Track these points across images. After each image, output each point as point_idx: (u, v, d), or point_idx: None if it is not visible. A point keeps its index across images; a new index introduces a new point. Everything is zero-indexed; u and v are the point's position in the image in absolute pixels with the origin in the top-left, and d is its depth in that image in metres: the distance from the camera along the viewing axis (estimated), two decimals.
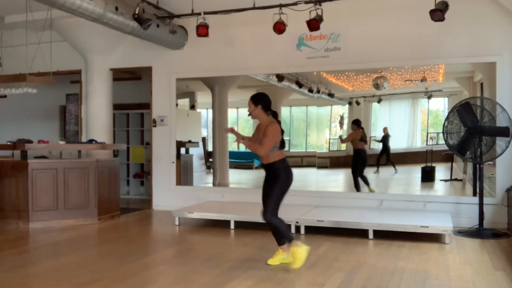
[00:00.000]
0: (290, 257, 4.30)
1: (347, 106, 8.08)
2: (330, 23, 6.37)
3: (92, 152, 7.59)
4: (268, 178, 4.38)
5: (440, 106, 7.84)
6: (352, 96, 7.95)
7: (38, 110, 10.57)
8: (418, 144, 7.89)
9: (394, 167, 7.80)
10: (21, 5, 6.83)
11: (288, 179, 4.34)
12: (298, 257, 4.22)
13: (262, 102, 4.35)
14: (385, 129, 7.86)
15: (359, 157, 7.62)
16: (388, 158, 7.76)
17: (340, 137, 8.02)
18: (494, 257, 4.75)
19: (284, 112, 8.53)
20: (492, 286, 3.87)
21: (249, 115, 4.41)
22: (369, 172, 7.73)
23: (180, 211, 6.69)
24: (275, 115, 4.45)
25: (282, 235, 4.38)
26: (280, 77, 7.76)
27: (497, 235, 5.69)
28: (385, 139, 7.79)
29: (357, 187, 7.43)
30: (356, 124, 7.66)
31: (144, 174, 9.79)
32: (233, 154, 9.45)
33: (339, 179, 8.59)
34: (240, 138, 4.33)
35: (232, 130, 4.45)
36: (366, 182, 7.47)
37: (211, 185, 9.07)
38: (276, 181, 4.28)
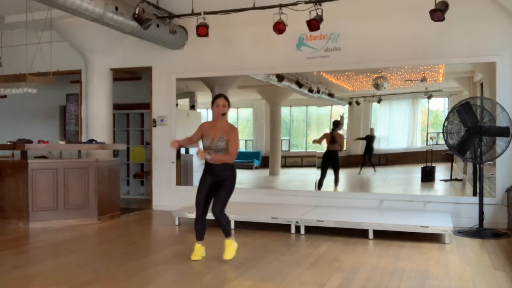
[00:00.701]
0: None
1: (347, 106, 8.07)
2: (330, 23, 6.37)
3: (92, 152, 7.59)
4: (219, 178, 4.56)
5: (440, 106, 7.84)
6: (352, 96, 7.94)
7: (38, 110, 10.57)
8: (418, 144, 7.88)
9: (374, 168, 7.86)
10: (21, 5, 6.84)
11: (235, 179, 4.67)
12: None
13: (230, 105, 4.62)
14: (371, 130, 7.91)
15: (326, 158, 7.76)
16: (369, 158, 7.84)
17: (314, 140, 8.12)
18: (494, 257, 4.75)
19: (284, 112, 8.52)
20: (492, 286, 3.87)
21: (223, 115, 4.57)
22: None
23: (180, 211, 6.68)
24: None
25: (227, 229, 4.69)
26: (280, 77, 7.76)
27: (497, 235, 5.69)
28: (369, 140, 7.84)
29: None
30: (333, 125, 7.80)
31: (144, 174, 9.79)
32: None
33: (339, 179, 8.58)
34: (203, 154, 4.46)
35: (176, 144, 4.80)
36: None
37: None
38: (230, 182, 4.58)
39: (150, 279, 4.11)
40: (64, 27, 7.70)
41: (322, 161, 7.77)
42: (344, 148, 8.08)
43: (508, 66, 6.24)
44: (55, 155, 8.04)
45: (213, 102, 4.64)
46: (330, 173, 7.72)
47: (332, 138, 7.73)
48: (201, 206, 4.67)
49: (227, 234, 4.69)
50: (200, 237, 4.77)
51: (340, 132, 7.86)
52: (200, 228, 4.75)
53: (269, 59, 7.39)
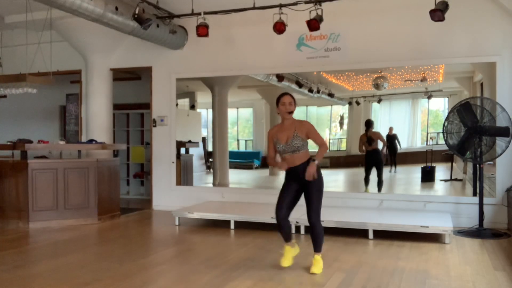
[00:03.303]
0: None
1: (347, 106, 8.08)
2: (330, 23, 6.37)
3: (92, 152, 7.59)
4: (301, 180, 4.12)
5: (440, 106, 7.85)
6: (352, 96, 7.95)
7: (38, 110, 10.57)
8: (418, 144, 7.90)
9: (395, 168, 7.82)
10: (21, 5, 6.84)
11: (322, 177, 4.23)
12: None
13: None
14: (390, 129, 7.85)
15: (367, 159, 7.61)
16: (393, 158, 7.74)
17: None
18: (494, 257, 4.75)
19: None
20: (492, 286, 3.87)
21: (290, 113, 4.19)
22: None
23: (180, 211, 6.69)
24: None
25: (321, 241, 4.27)
26: (280, 77, 7.76)
27: (497, 235, 5.69)
28: (390, 139, 7.77)
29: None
30: (365, 125, 7.66)
31: (144, 174, 9.79)
32: (233, 154, 9.46)
33: (339, 179, 8.59)
34: (314, 167, 4.03)
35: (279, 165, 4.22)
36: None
37: (211, 185, 9.07)
38: (318, 183, 4.13)
39: (150, 279, 4.11)
40: (64, 27, 7.70)
41: (365, 162, 7.62)
42: (343, 148, 8.08)
43: (508, 66, 6.23)
44: (55, 155, 8.04)
45: (278, 101, 4.21)
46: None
47: (368, 138, 7.60)
48: (284, 208, 4.20)
49: (319, 249, 4.24)
50: (288, 238, 4.33)
51: (374, 130, 7.70)
52: (288, 229, 4.30)
53: (269, 59, 7.38)
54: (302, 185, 4.16)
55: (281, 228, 4.28)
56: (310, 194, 4.14)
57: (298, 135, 4.15)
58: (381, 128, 7.95)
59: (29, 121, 10.47)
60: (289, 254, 4.34)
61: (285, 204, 4.22)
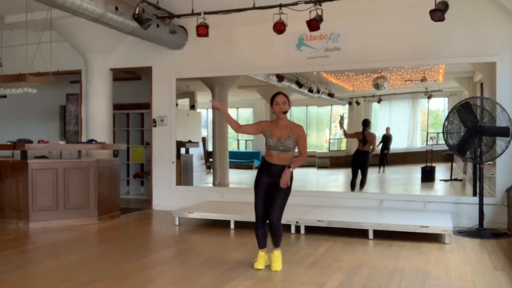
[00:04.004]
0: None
1: (347, 106, 8.07)
2: (330, 23, 6.37)
3: (92, 152, 7.59)
4: (277, 180, 4.20)
5: (440, 106, 7.84)
6: (352, 96, 7.94)
7: (38, 110, 10.57)
8: (418, 144, 7.89)
9: (383, 168, 7.84)
10: (21, 5, 6.83)
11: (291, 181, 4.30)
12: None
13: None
14: (387, 129, 7.85)
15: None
16: (384, 156, 7.77)
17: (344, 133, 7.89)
18: (494, 257, 4.75)
19: None
20: (492, 286, 3.87)
21: (284, 113, 4.25)
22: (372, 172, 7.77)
23: (180, 211, 6.69)
24: None
25: (280, 238, 4.36)
26: (280, 77, 7.76)
27: (497, 235, 5.69)
28: (386, 140, 7.77)
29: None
30: (362, 124, 7.63)
31: (144, 174, 9.79)
32: (233, 154, 9.46)
33: (339, 179, 8.59)
34: (289, 174, 4.16)
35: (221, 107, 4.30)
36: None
37: (211, 185, 9.07)
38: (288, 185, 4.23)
39: (150, 279, 4.11)
40: (64, 27, 7.70)
41: (352, 161, 7.61)
42: (343, 148, 8.06)
43: (508, 66, 6.23)
44: (55, 155, 8.05)
45: (272, 100, 4.30)
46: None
47: (364, 137, 7.58)
48: (261, 210, 4.28)
49: (278, 244, 4.33)
50: (263, 245, 4.38)
51: (370, 131, 7.69)
52: (261, 234, 4.35)
53: (269, 59, 7.38)
54: (273, 182, 4.24)
55: (259, 230, 4.35)
56: (278, 193, 4.22)
57: (293, 136, 4.22)
58: (381, 128, 7.95)
59: (29, 121, 10.47)
60: (262, 259, 4.36)
61: (261, 204, 4.29)
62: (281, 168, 4.22)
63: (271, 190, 4.27)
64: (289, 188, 4.25)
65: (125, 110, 9.82)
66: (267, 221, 4.29)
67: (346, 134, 7.75)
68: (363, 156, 7.59)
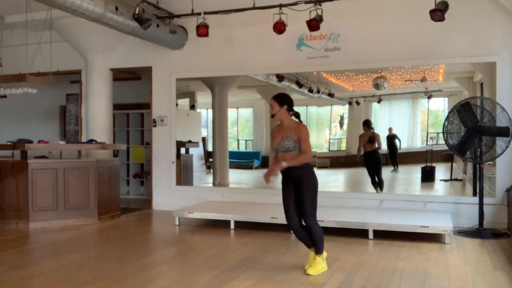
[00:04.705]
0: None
1: (347, 106, 8.08)
2: (330, 23, 6.37)
3: (92, 152, 7.59)
4: (297, 182, 4.15)
5: (440, 106, 7.85)
6: (352, 96, 7.95)
7: (38, 110, 10.57)
8: (418, 144, 7.90)
9: (396, 167, 7.82)
10: (21, 5, 6.83)
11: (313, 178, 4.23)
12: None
13: (287, 103, 4.23)
14: (390, 129, 7.85)
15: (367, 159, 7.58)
16: (393, 157, 7.74)
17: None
18: (494, 257, 4.75)
19: None
20: (492, 286, 3.87)
21: (272, 116, 4.26)
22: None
23: (180, 211, 6.69)
24: (298, 115, 4.32)
25: (319, 243, 4.25)
26: (280, 77, 7.76)
27: (497, 235, 5.69)
28: (390, 139, 7.78)
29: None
30: (365, 125, 7.62)
31: (144, 174, 9.79)
32: (233, 154, 9.46)
33: (339, 179, 8.59)
34: (280, 166, 4.05)
35: (270, 175, 4.13)
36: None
37: (211, 185, 9.08)
38: (309, 184, 4.16)
39: (150, 279, 4.11)
40: (64, 27, 7.70)
41: (367, 164, 7.58)
42: (343, 148, 8.07)
43: (508, 66, 6.23)
44: (55, 155, 8.04)
45: None
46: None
47: (370, 137, 7.56)
48: (293, 216, 4.23)
49: (317, 250, 4.22)
50: (308, 245, 4.34)
51: (373, 130, 7.68)
52: (304, 237, 4.28)
53: (269, 59, 7.38)
54: (295, 185, 4.18)
55: (297, 236, 4.33)
56: (302, 194, 4.14)
57: (292, 136, 4.16)
58: (381, 128, 7.95)
59: (29, 121, 10.47)
60: (312, 258, 4.30)
61: (292, 213, 4.23)
62: (295, 170, 4.12)
63: (297, 194, 4.19)
64: (312, 186, 4.17)
65: (125, 110, 9.81)
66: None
67: (359, 149, 7.66)
68: (374, 155, 7.57)
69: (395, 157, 7.83)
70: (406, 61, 6.80)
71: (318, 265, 4.21)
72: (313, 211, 4.19)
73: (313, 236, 4.19)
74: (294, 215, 4.23)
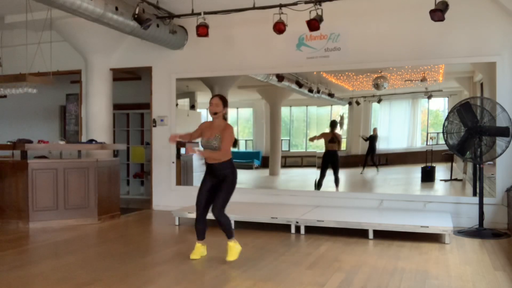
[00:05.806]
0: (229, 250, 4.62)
1: (347, 106, 8.07)
2: (330, 23, 6.37)
3: (92, 152, 7.59)
4: (219, 177, 4.57)
5: (440, 106, 7.84)
6: (352, 96, 7.94)
7: (38, 110, 10.57)
8: (418, 144, 7.88)
9: (377, 168, 7.87)
10: (21, 5, 6.84)
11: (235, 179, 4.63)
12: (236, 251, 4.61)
13: (226, 106, 4.63)
14: (374, 130, 7.92)
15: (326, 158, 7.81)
16: (372, 158, 7.87)
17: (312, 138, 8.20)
18: (494, 257, 4.75)
19: (284, 112, 8.52)
20: (492, 286, 3.87)
21: (215, 114, 4.57)
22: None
23: (180, 211, 6.68)
24: (225, 117, 4.74)
25: (228, 230, 4.64)
26: (280, 77, 7.76)
27: (497, 235, 5.69)
28: (372, 139, 7.87)
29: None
30: (330, 125, 7.86)
31: (144, 174, 9.79)
32: (233, 154, 9.44)
33: (339, 179, 8.58)
34: (192, 150, 4.52)
35: (176, 138, 4.66)
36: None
37: None
38: (230, 181, 4.56)
39: (150, 279, 4.11)
40: (64, 27, 7.70)
41: (322, 161, 7.79)
42: (343, 148, 8.09)
43: (508, 66, 6.24)
44: (55, 155, 8.04)
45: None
46: (330, 173, 7.72)
47: (332, 138, 7.76)
48: (201, 206, 4.66)
49: (229, 235, 4.64)
50: (200, 237, 4.78)
51: (338, 131, 7.90)
52: (200, 228, 4.73)
53: (269, 59, 7.39)
54: (217, 181, 4.59)
55: (197, 224, 4.74)
56: (221, 189, 4.54)
57: (219, 137, 4.52)
58: (381, 129, 7.96)
59: (29, 121, 10.47)
60: (198, 250, 4.74)
61: (202, 203, 4.66)
62: (219, 166, 4.54)
63: (215, 189, 4.60)
64: (230, 184, 4.57)
65: (125, 110, 9.82)
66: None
67: (312, 139, 8.02)
68: (334, 155, 7.79)
69: (373, 157, 7.89)
70: (406, 61, 6.81)
71: (234, 249, 4.61)
72: (224, 206, 4.57)
73: (221, 225, 4.59)
74: (203, 206, 4.65)
